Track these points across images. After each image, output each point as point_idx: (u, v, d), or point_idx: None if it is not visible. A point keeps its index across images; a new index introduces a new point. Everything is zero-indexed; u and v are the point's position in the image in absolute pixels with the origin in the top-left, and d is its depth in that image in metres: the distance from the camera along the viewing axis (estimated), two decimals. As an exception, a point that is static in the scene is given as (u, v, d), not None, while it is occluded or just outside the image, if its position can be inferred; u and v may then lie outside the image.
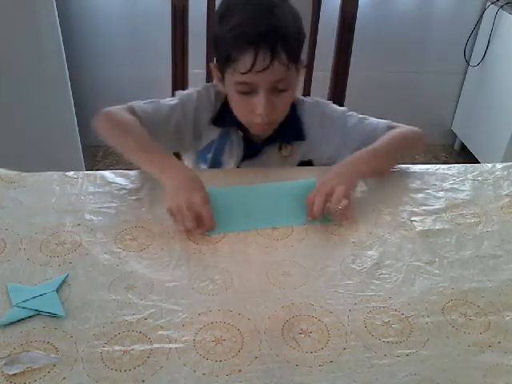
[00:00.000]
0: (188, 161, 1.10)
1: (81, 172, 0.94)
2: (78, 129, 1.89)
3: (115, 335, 0.62)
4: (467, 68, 2.43)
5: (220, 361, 0.60)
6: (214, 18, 0.95)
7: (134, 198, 0.87)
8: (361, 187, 0.92)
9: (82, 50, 2.21)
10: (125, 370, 0.58)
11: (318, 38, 1.26)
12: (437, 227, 0.84)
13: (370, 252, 0.78)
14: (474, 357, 0.62)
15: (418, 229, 0.83)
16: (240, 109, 0.95)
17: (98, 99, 2.29)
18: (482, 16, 2.29)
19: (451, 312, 0.68)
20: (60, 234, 0.79)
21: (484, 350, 0.63)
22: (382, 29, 2.30)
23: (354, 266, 0.75)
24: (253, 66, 0.84)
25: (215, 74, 0.97)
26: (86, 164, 1.94)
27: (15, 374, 0.57)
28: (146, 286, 0.70)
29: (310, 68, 1.28)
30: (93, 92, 2.29)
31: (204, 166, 1.06)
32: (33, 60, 1.68)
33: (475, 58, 2.34)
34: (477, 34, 2.34)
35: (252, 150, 1.03)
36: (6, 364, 0.58)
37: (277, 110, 0.92)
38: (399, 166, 1.00)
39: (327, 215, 0.83)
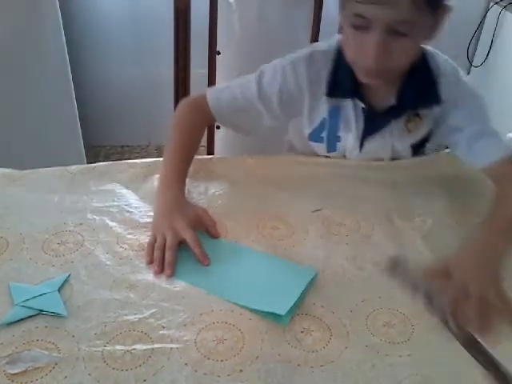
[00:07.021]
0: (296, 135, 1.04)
1: (83, 172, 0.94)
2: (80, 129, 1.89)
3: (117, 335, 0.62)
4: (470, 68, 2.43)
5: (221, 360, 0.60)
6: None
7: (136, 197, 0.87)
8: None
9: (84, 49, 2.21)
10: (126, 370, 0.58)
11: (318, 38, 1.27)
12: (437, 227, 0.84)
13: (370, 252, 0.78)
14: (475, 357, 0.62)
15: (418, 229, 0.83)
16: (351, 47, 0.82)
17: (101, 99, 2.30)
18: (485, 16, 2.29)
19: (453, 312, 0.68)
20: (62, 233, 0.79)
21: (485, 351, 0.63)
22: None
23: (354, 266, 0.75)
24: None
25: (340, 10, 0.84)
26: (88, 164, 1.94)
27: (17, 373, 0.57)
28: (147, 285, 0.70)
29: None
30: (95, 92, 2.29)
31: (321, 145, 0.97)
32: (35, 59, 1.68)
33: (478, 59, 2.34)
34: (480, 34, 2.33)
35: (374, 124, 0.91)
36: (8, 363, 0.58)
37: (391, 57, 0.77)
38: (398, 162, 0.98)
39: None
